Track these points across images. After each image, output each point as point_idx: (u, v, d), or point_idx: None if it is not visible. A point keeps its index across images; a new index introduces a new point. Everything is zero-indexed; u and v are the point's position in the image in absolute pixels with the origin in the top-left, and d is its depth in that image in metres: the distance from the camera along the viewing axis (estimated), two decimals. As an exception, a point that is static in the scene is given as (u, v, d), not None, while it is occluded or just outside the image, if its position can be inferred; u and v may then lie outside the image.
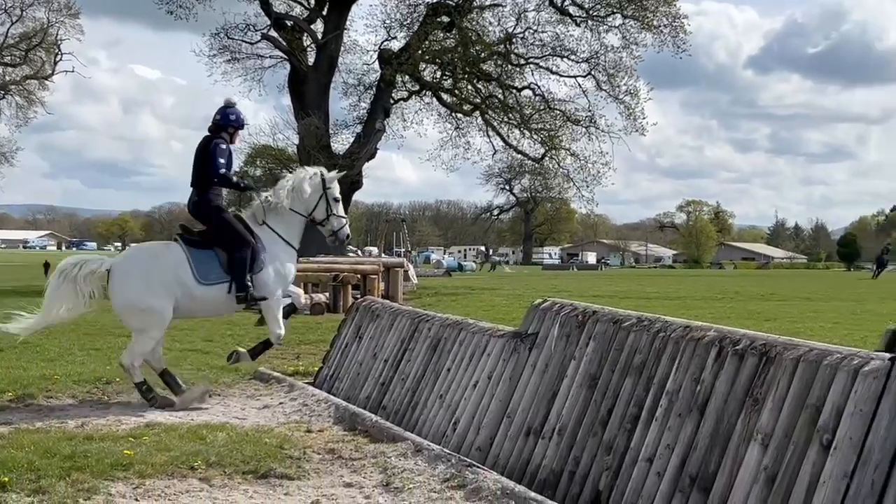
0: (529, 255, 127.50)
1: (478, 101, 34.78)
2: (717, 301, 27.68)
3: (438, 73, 34.64)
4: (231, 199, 8.77)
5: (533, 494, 5.15)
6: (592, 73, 34.00)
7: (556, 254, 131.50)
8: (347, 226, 9.59)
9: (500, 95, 34.57)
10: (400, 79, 33.83)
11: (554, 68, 34.37)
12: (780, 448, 4.35)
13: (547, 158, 35.99)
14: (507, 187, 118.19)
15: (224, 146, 8.81)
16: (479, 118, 35.13)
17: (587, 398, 5.79)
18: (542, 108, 34.64)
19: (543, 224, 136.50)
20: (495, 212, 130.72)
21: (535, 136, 35.02)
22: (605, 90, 34.00)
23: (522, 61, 34.33)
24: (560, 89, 37.56)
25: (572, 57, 34.08)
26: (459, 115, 35.41)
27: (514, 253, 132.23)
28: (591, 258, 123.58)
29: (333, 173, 9.50)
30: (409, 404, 7.71)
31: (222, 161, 8.72)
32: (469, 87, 34.76)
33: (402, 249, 59.57)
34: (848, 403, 4.12)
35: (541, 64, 34.24)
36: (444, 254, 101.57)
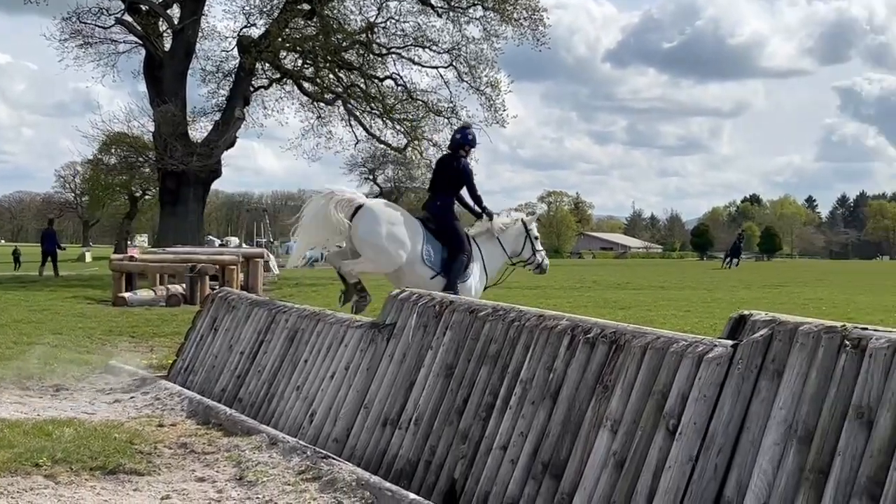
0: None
1: (339, 90, 34.62)
2: (575, 290, 28.21)
3: (299, 62, 34.35)
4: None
5: (388, 485, 5.14)
6: (454, 64, 34.22)
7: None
8: (547, 258, 11.20)
9: (362, 85, 34.48)
10: (260, 66, 33.44)
11: (416, 59, 34.50)
12: (629, 434, 4.43)
13: (410, 149, 36.08)
14: (371, 177, 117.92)
15: (471, 168, 10.53)
16: (342, 107, 35.00)
17: (444, 388, 5.80)
18: (404, 98, 34.70)
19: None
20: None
21: (397, 127, 35.08)
22: (466, 81, 34.28)
23: (384, 51, 34.32)
24: (422, 80, 37.67)
25: (434, 48, 34.25)
26: (321, 104, 35.20)
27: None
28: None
29: (531, 217, 11.18)
30: (265, 396, 7.60)
31: (476, 187, 10.52)
32: (331, 75, 34.58)
33: (264, 240, 58.82)
34: (693, 389, 4.22)
35: (403, 54, 34.31)
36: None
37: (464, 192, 10.56)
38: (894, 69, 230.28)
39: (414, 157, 37.23)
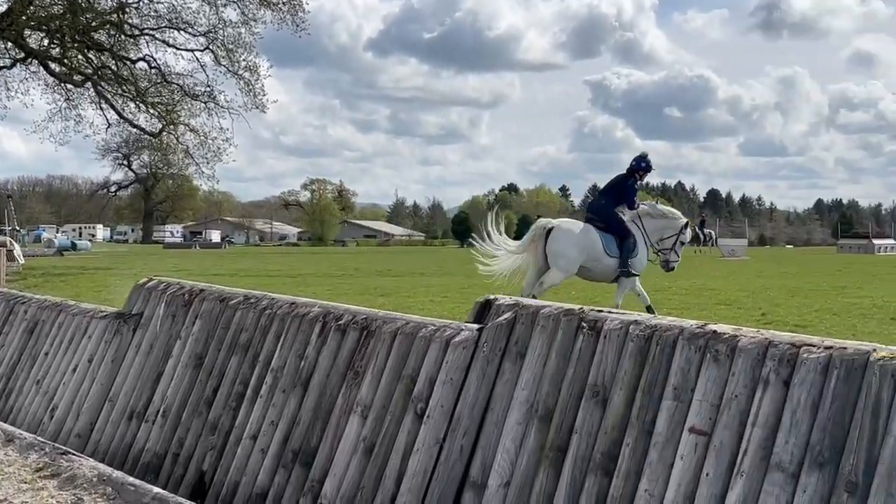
0: (150, 233, 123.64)
1: (89, 71, 33.17)
2: (337, 278, 28.21)
3: (46, 41, 32.65)
4: None
5: (131, 479, 4.95)
6: (211, 47, 33.51)
7: (178, 232, 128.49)
8: (677, 264, 13.49)
9: (113, 67, 33.19)
10: (2, 45, 31.54)
11: (171, 41, 33.57)
12: (379, 418, 4.45)
13: (165, 133, 35.03)
14: (126, 163, 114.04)
15: (636, 186, 13.19)
16: (92, 90, 33.54)
17: (193, 378, 5.66)
18: (158, 81, 33.68)
19: (165, 201, 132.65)
20: (113, 188, 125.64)
21: (151, 111, 34.01)
22: (224, 65, 33.68)
23: (137, 32, 33.14)
24: (178, 63, 36.80)
25: (190, 30, 33.43)
26: (70, 86, 33.60)
27: (133, 231, 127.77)
28: (216, 236, 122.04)
29: (689, 226, 13.57)
30: (2, 392, 7.18)
31: (635, 199, 13.13)
32: (79, 56, 33.07)
33: (9, 228, 55.68)
34: (440, 373, 4.28)
35: (157, 36, 33.27)
36: (58, 232, 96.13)
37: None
38: (640, 65, 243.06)
39: (170, 142, 36.13)
